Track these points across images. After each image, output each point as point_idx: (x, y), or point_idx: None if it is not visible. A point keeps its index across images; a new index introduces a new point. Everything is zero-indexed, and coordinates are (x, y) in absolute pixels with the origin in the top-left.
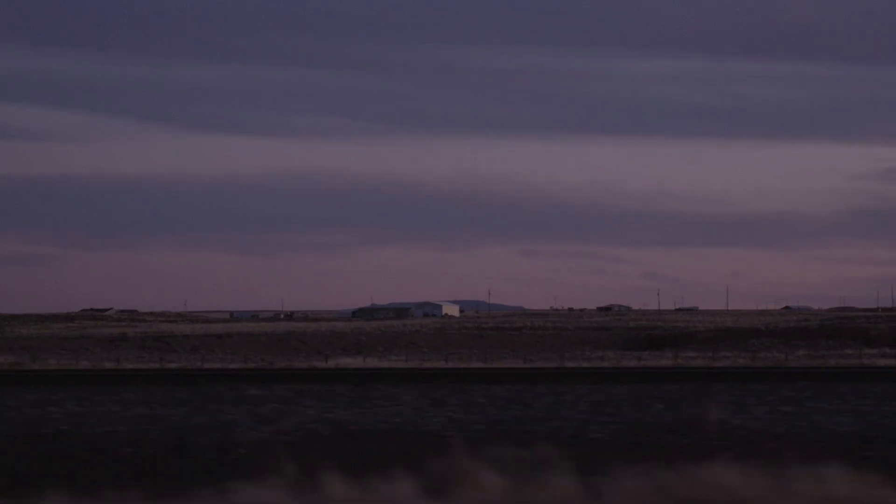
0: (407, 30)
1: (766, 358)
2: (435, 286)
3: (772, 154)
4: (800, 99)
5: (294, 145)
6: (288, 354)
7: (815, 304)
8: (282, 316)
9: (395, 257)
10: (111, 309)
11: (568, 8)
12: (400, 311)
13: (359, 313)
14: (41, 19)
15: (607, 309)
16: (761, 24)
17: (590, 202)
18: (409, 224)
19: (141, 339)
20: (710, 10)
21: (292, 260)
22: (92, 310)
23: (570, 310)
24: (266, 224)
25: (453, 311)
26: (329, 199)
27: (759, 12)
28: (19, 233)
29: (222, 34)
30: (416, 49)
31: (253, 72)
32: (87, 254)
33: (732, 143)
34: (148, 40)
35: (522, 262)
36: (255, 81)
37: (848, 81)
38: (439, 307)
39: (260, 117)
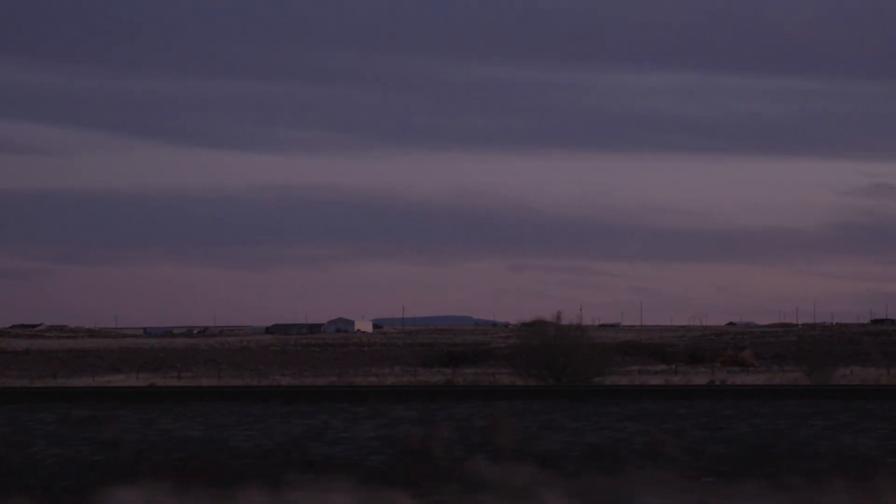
0: (394, 42)
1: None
2: (417, 300)
3: (760, 168)
4: (788, 113)
5: (280, 159)
6: (77, 371)
7: (763, 320)
8: (195, 332)
9: (380, 271)
10: (41, 325)
11: (556, 21)
12: (313, 328)
13: (273, 329)
14: (29, 34)
15: (531, 325)
16: (751, 39)
17: (578, 216)
18: (396, 238)
19: None
20: (699, 24)
21: (276, 274)
22: (21, 325)
23: (494, 325)
24: (251, 238)
25: (367, 326)
26: (315, 213)
27: (748, 26)
28: (5, 246)
29: (208, 48)
30: (404, 62)
31: (239, 85)
32: (68, 268)
33: (721, 158)
34: (135, 55)
35: (511, 275)
36: (240, 95)
37: (836, 96)
38: (352, 323)
39: (246, 131)
